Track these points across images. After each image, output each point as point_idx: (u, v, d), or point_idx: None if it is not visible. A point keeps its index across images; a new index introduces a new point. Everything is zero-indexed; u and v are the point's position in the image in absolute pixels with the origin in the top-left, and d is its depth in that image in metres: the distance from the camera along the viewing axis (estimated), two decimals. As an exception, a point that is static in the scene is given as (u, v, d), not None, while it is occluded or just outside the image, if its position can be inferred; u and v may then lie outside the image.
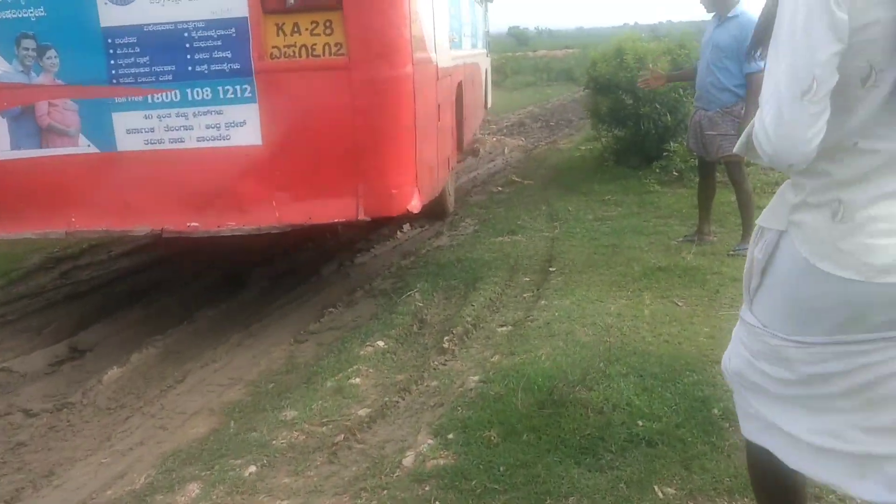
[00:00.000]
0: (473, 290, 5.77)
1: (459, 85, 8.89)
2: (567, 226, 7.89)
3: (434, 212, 8.31)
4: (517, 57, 39.06)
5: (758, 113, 1.79)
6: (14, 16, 4.88)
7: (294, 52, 4.93)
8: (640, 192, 9.11)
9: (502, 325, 5.05)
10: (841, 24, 1.64)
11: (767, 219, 2.00)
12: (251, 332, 5.49)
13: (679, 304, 5.21)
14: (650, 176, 9.73)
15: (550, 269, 6.25)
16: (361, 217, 5.05)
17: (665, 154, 9.71)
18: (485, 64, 14.18)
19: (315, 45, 4.91)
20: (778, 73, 1.71)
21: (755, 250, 2.02)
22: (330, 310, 5.72)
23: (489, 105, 15.71)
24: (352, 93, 4.91)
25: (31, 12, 4.89)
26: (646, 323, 4.83)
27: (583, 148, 12.85)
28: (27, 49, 4.95)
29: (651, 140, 10.11)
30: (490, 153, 13.74)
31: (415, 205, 5.22)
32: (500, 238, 7.58)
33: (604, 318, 4.92)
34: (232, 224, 5.05)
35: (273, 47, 4.93)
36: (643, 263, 6.14)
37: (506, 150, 13.73)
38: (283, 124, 5.01)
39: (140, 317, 5.89)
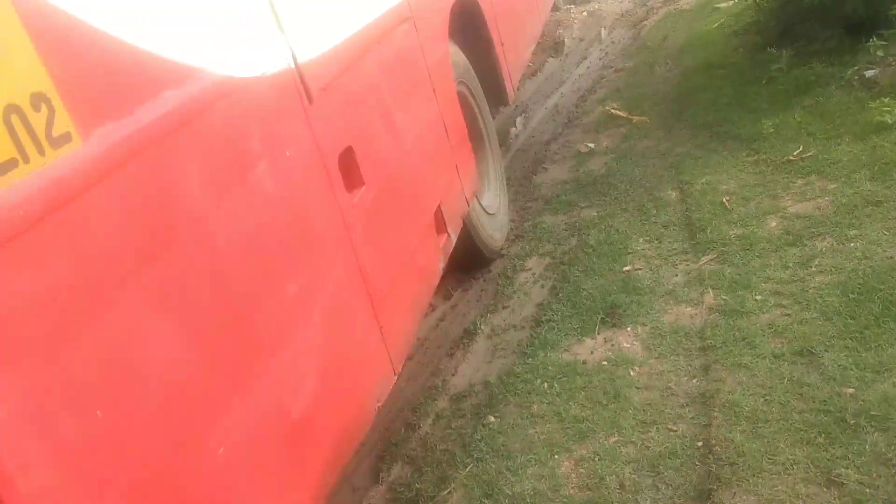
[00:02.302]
0: None
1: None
2: (730, 282, 3.66)
3: (466, 259, 4.38)
4: None
5: None
6: None
7: None
8: (861, 129, 4.56)
9: None
10: None
11: None
12: None
13: None
14: (868, 72, 5.08)
15: None
16: None
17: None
18: None
19: None
20: None
21: None
22: None
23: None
24: None
25: None
26: None
27: (722, 5, 8.03)
28: None
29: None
30: (581, 39, 9.14)
31: None
32: (586, 346, 3.56)
33: None
34: None
35: None
36: None
37: (604, 33, 9.07)
38: None
39: None
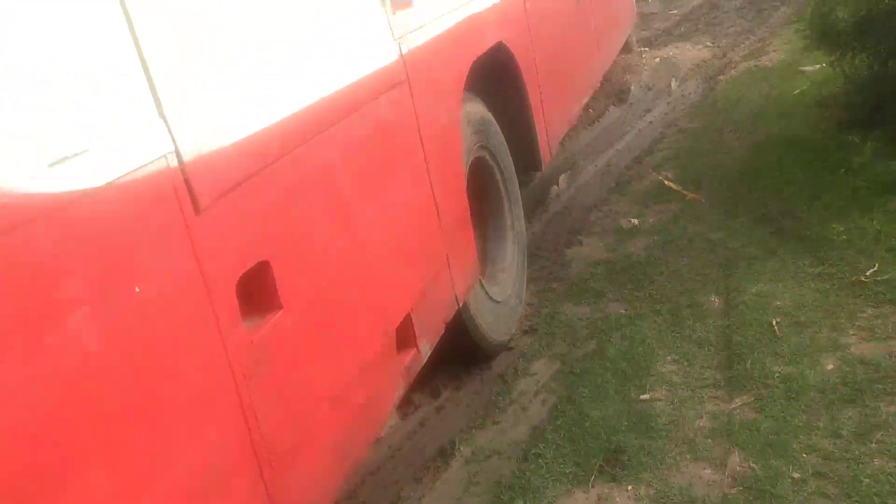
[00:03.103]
0: None
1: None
2: (764, 442, 2.96)
3: (460, 354, 3.79)
4: None
5: None
6: None
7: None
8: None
9: None
10: None
11: None
12: None
13: None
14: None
15: None
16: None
17: None
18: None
19: None
20: None
21: None
22: None
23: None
24: None
25: None
26: None
27: (808, 69, 7.20)
28: None
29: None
30: (649, 88, 8.39)
31: None
32: (574, 502, 2.85)
33: None
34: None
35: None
36: None
37: (673, 84, 8.30)
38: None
39: None
